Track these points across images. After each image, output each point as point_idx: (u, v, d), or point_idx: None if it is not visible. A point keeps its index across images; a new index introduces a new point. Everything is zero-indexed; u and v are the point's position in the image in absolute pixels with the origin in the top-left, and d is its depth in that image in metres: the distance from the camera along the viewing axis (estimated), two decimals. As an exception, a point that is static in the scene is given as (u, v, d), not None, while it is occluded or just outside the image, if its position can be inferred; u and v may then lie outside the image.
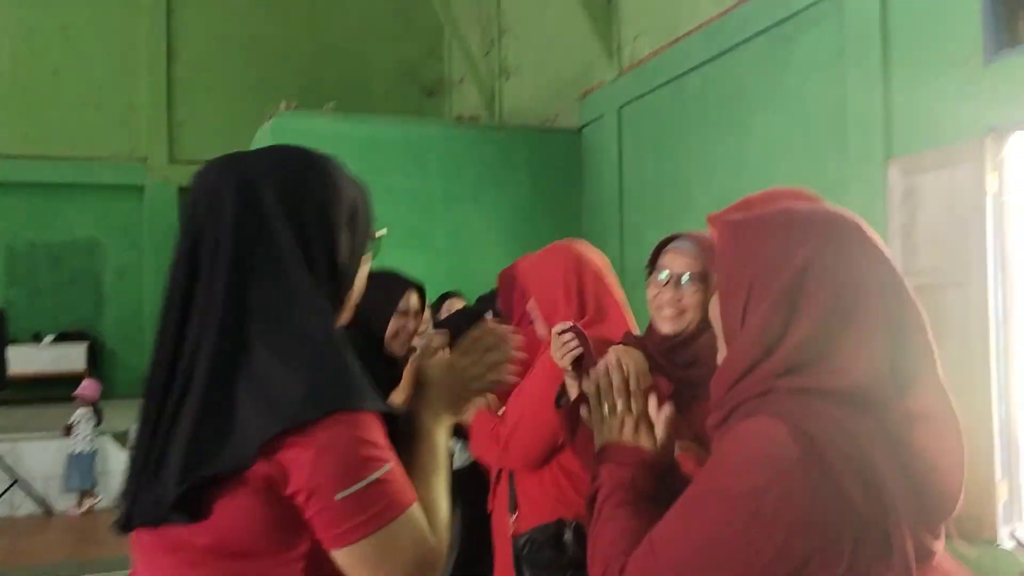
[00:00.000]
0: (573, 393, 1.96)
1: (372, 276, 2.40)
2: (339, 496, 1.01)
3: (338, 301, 1.18)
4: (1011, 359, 3.52)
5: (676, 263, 1.90)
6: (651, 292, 1.93)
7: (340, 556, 1.03)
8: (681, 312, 1.88)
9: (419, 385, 1.25)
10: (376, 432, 1.06)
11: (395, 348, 2.57)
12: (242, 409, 1.01)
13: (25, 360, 9.64)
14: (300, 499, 1.02)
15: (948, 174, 3.59)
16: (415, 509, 1.07)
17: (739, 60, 5.08)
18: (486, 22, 9.23)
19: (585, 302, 2.23)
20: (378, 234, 1.26)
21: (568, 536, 2.15)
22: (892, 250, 3.85)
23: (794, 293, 1.06)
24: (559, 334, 1.95)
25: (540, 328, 2.32)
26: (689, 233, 1.94)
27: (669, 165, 5.84)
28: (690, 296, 1.87)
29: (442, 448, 1.22)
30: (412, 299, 2.62)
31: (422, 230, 6.42)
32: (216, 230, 1.09)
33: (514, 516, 2.29)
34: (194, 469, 1.01)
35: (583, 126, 6.97)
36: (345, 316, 1.22)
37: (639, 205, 6.19)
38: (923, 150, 3.74)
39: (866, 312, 1.05)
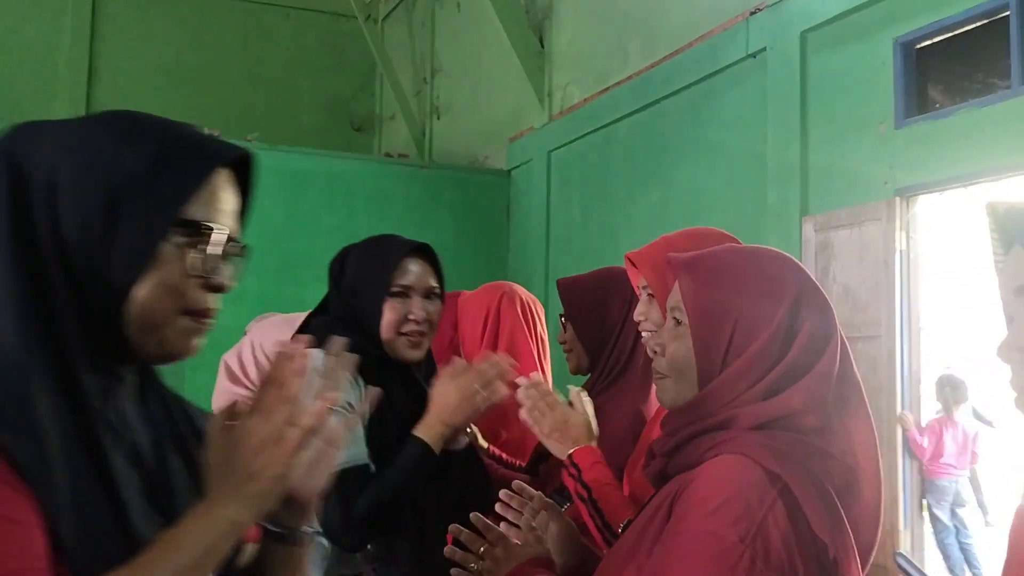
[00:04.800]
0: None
1: (361, 247, 1.76)
2: None
3: (101, 312, 0.86)
4: (918, 412, 3.64)
5: None
6: None
7: None
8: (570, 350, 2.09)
9: (215, 461, 0.90)
10: None
11: (401, 350, 1.71)
12: None
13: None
14: None
15: (859, 231, 3.72)
16: None
17: (665, 112, 5.20)
18: (419, 61, 9.27)
19: (499, 340, 2.34)
20: (216, 230, 0.91)
21: None
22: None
23: (791, 323, 1.10)
24: None
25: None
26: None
27: (595, 210, 5.91)
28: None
29: (218, 547, 0.83)
30: (413, 269, 1.74)
31: (346, 265, 6.34)
32: None
33: None
34: None
35: (512, 168, 7.02)
36: (148, 345, 0.90)
37: (565, 248, 6.24)
38: (837, 207, 3.87)
39: (834, 342, 1.12)
